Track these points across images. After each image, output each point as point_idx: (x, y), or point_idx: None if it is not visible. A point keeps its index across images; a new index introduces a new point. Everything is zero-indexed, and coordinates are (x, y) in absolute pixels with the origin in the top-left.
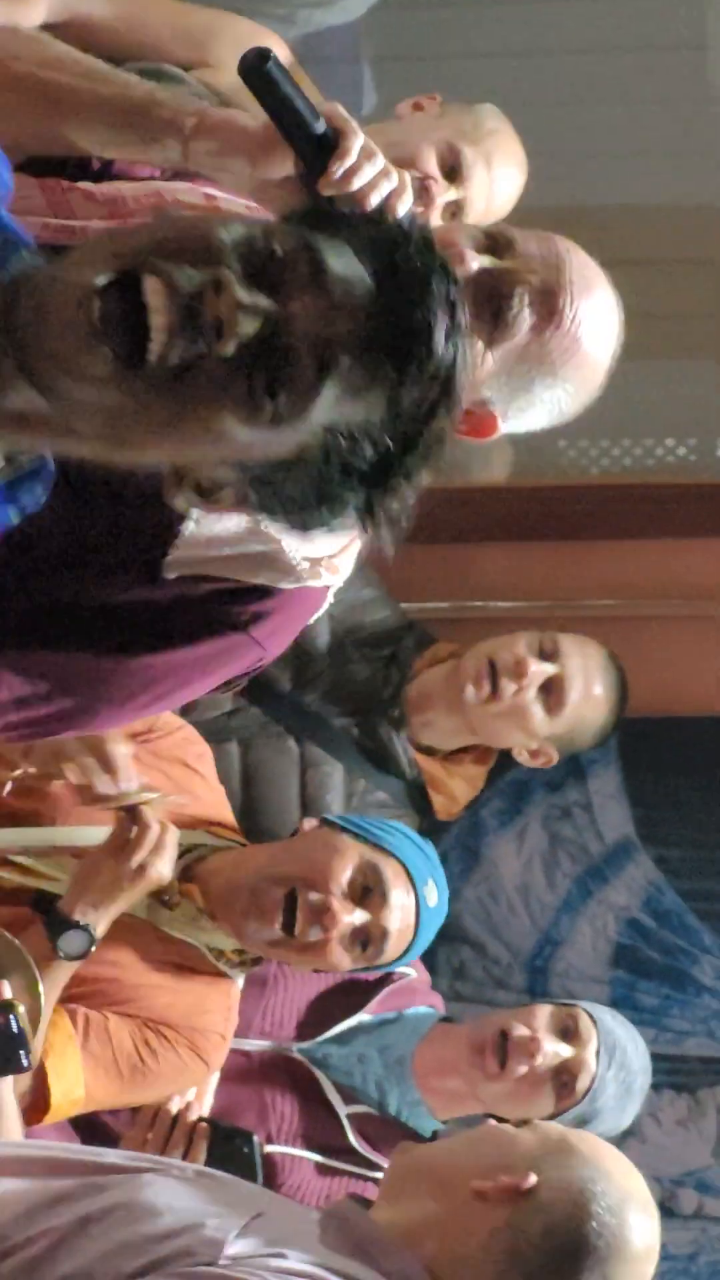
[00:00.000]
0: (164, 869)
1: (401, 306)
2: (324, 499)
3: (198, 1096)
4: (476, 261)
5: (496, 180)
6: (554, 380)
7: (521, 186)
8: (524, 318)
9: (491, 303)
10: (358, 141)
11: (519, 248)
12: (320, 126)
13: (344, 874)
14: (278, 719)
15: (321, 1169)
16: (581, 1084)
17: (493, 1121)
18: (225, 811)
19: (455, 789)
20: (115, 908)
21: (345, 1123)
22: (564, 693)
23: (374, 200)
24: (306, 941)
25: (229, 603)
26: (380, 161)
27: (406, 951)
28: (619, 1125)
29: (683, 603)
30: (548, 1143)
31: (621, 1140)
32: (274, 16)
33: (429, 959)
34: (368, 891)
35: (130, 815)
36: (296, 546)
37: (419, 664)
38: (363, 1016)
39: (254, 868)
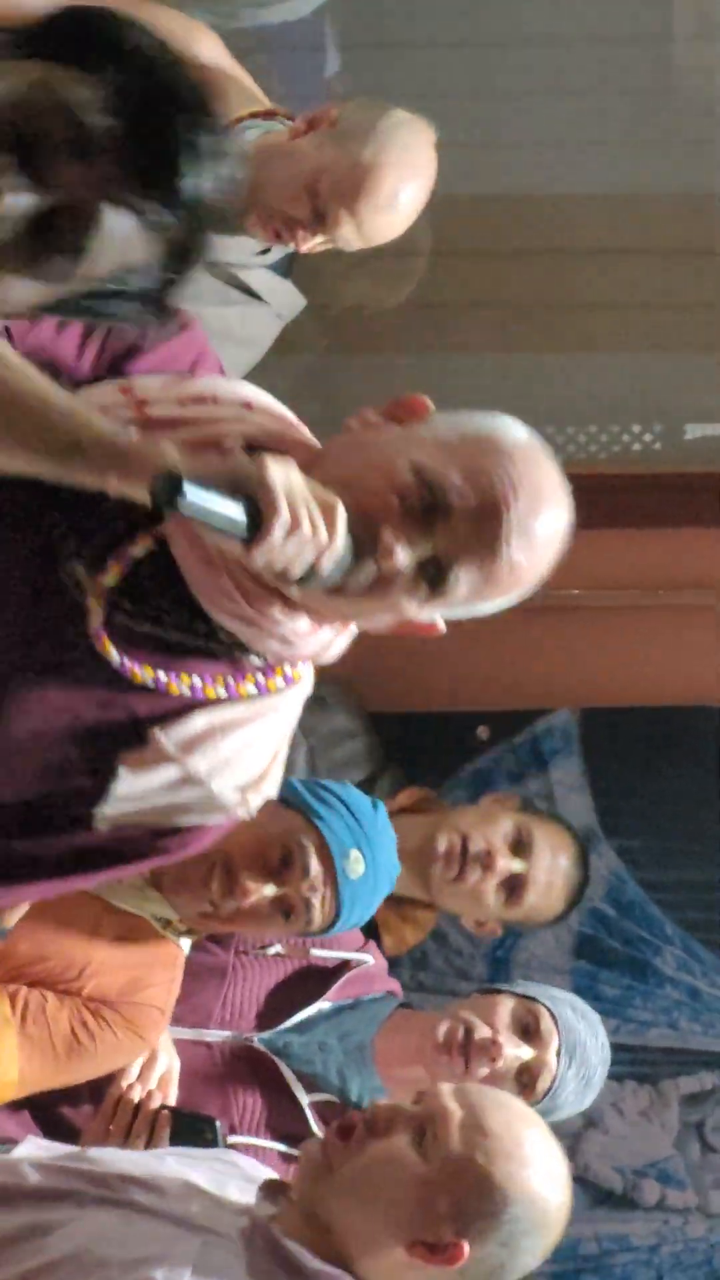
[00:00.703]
0: None
1: (149, 141)
2: (145, 308)
3: (163, 1087)
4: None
5: (365, 219)
6: None
7: (412, 204)
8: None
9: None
10: (280, 523)
11: None
12: (241, 515)
13: (259, 844)
14: None
15: (286, 1158)
16: (542, 1085)
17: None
18: None
19: (405, 933)
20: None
21: (307, 1111)
22: (525, 892)
23: (298, 569)
24: (227, 913)
25: (159, 837)
26: (305, 530)
27: (336, 919)
28: (578, 1111)
29: (643, 593)
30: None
31: (583, 1131)
32: (216, 13)
33: None
34: (287, 863)
35: None
36: (225, 783)
37: (390, 805)
38: (322, 1004)
39: None
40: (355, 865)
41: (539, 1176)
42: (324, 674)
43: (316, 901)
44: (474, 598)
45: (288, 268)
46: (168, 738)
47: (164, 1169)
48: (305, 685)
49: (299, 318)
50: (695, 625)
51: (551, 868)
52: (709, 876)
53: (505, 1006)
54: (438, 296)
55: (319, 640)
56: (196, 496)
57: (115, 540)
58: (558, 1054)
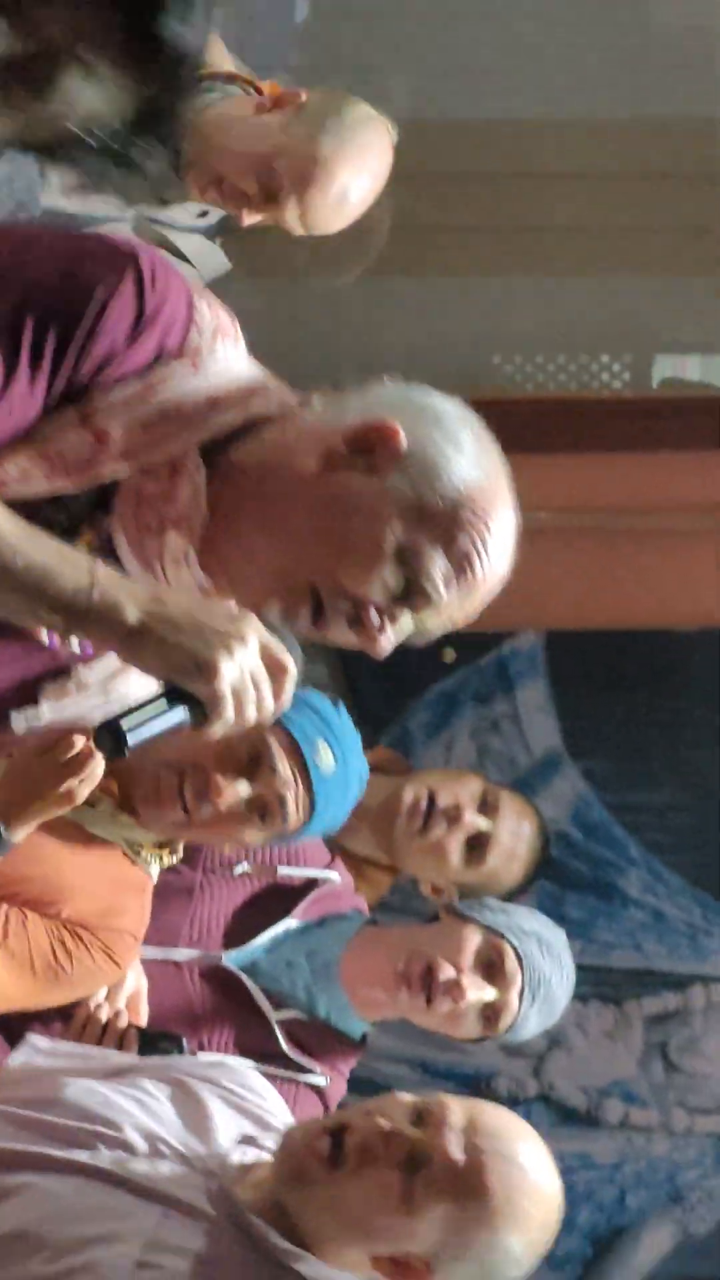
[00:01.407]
0: (79, 791)
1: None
2: (116, 164)
3: (133, 1009)
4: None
5: (310, 208)
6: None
7: (360, 204)
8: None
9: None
10: (223, 724)
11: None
12: (186, 717)
13: (227, 746)
14: None
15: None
16: (504, 1023)
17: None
18: None
19: (361, 890)
20: (33, 822)
21: (276, 1029)
22: (487, 852)
23: (251, 715)
24: (202, 819)
25: None
26: (249, 716)
27: (313, 816)
28: (539, 1032)
29: (609, 517)
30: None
31: (548, 1051)
32: None
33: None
34: (257, 762)
35: (68, 735)
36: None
37: None
38: (289, 923)
39: (153, 759)
40: (324, 756)
41: (531, 1237)
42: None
43: (290, 797)
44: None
45: (218, 229)
46: (90, 671)
47: (140, 1115)
48: None
49: (269, 240)
50: (661, 550)
51: (516, 832)
52: (674, 799)
53: (471, 942)
54: (406, 222)
55: None
56: (139, 736)
57: (60, 531)
58: (520, 994)
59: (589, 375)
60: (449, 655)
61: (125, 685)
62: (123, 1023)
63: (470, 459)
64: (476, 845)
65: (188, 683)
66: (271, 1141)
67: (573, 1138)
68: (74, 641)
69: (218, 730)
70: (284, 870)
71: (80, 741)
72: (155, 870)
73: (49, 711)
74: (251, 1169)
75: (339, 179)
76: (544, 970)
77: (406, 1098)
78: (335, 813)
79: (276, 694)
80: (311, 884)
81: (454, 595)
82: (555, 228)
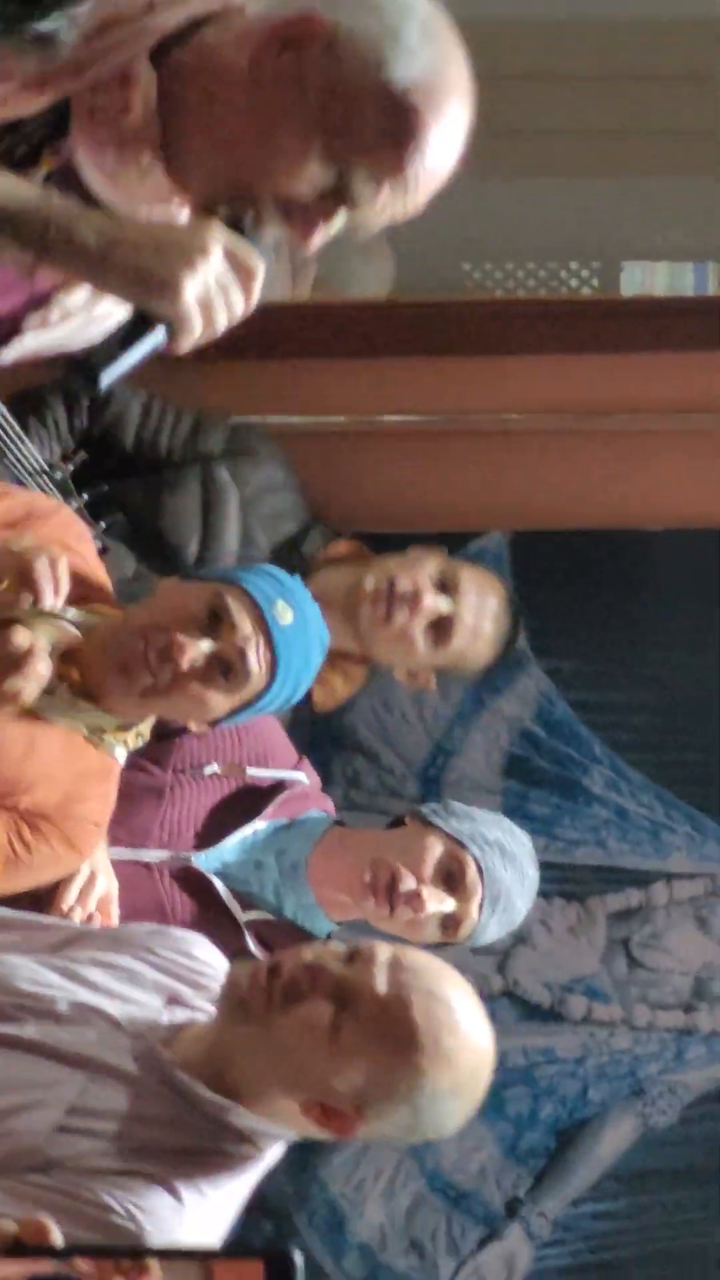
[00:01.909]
0: (26, 690)
1: None
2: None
3: (104, 911)
4: None
5: None
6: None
7: None
8: None
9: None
10: (192, 338)
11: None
12: (161, 338)
13: (188, 611)
14: None
15: None
16: (463, 933)
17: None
18: (108, 591)
19: (335, 684)
20: None
21: (244, 929)
22: (451, 631)
23: (221, 322)
24: (165, 682)
25: None
26: (218, 304)
27: (274, 676)
28: (499, 937)
29: (575, 417)
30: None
31: (512, 948)
32: None
33: (323, 769)
34: (217, 619)
35: (7, 632)
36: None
37: (320, 558)
38: (258, 824)
39: (115, 629)
40: (283, 613)
41: (457, 1070)
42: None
43: (251, 652)
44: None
45: None
46: (71, 299)
47: (69, 985)
48: None
49: None
50: (628, 451)
51: (479, 609)
52: (637, 698)
53: (433, 852)
54: None
55: None
56: (113, 371)
57: (21, 160)
58: (480, 906)
59: (558, 281)
60: None
61: (109, 304)
62: (95, 925)
63: (408, 51)
64: (440, 627)
65: (153, 302)
66: (208, 1003)
67: (536, 1033)
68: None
69: (186, 344)
70: (252, 772)
71: (23, 638)
72: (121, 754)
73: (32, 340)
74: (182, 1028)
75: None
76: (505, 881)
77: (338, 944)
78: (298, 672)
79: (246, 296)
80: (280, 786)
81: (386, 193)
82: (524, 132)
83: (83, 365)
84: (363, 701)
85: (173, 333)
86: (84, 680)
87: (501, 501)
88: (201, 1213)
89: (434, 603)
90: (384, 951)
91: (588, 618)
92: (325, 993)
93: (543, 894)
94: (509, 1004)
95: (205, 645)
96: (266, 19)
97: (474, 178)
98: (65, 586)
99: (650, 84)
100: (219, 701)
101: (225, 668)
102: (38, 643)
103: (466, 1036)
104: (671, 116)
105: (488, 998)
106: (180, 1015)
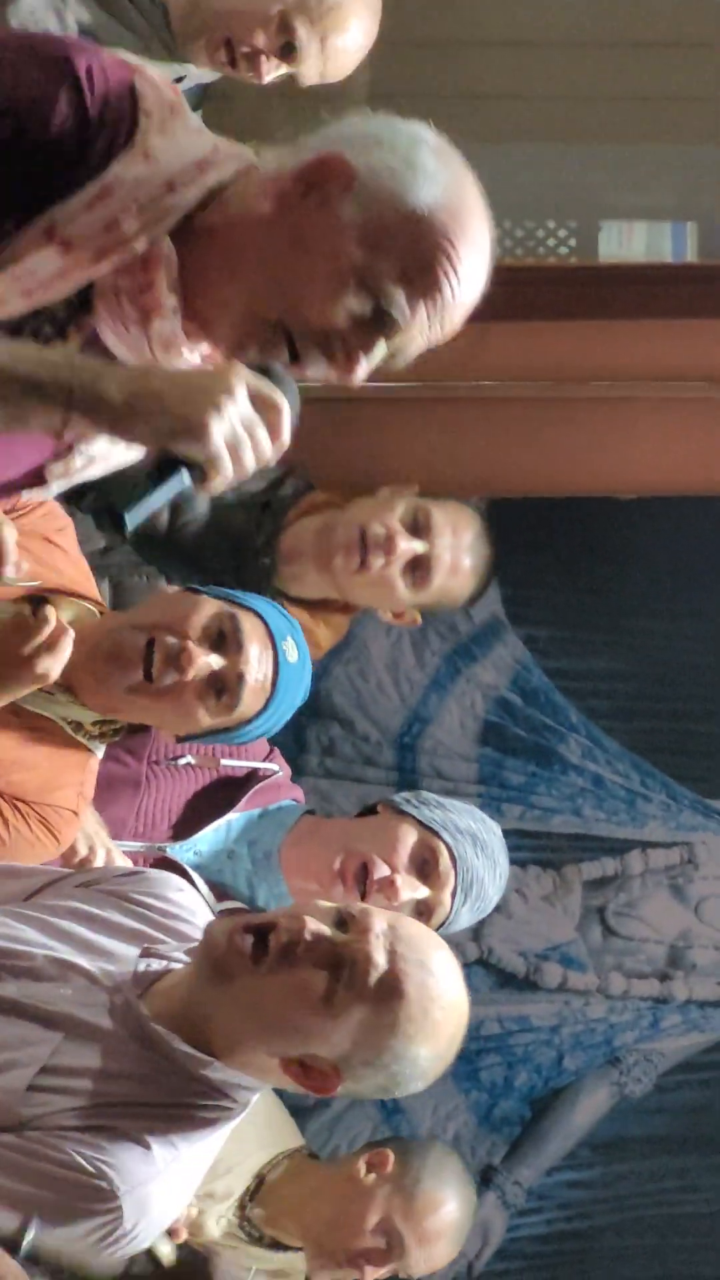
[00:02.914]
0: (54, 669)
1: None
2: None
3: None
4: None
5: (331, 54)
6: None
7: (367, 41)
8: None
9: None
10: (223, 460)
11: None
12: (187, 483)
13: (201, 621)
14: (150, 560)
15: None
16: (436, 920)
17: None
18: (89, 585)
19: (319, 636)
20: (6, 699)
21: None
22: (430, 571)
23: (249, 462)
24: (163, 686)
25: None
26: (245, 443)
27: (265, 708)
28: (470, 925)
29: (554, 385)
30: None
31: (488, 916)
32: None
33: (299, 737)
34: (224, 639)
35: (35, 610)
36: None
37: (294, 513)
38: (231, 816)
39: (116, 622)
40: (291, 650)
41: (439, 1049)
42: None
43: (250, 678)
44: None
45: (198, 100)
46: (92, 446)
47: (45, 939)
48: None
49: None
50: (603, 418)
51: (455, 545)
52: (613, 665)
53: (407, 840)
54: (352, 88)
55: None
56: (138, 514)
57: (48, 339)
58: (453, 894)
59: (535, 241)
60: None
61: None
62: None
63: (428, 177)
64: (418, 568)
65: (182, 447)
66: (185, 953)
67: (511, 1001)
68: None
69: (218, 486)
70: (227, 762)
71: (53, 617)
72: (99, 749)
73: (56, 489)
74: (159, 978)
75: (355, 23)
76: (477, 869)
77: (328, 904)
78: (282, 713)
79: (273, 433)
80: (253, 776)
81: (422, 316)
82: (502, 94)
83: (109, 510)
84: (339, 670)
85: (203, 475)
86: (63, 673)
87: (478, 469)
88: (175, 1166)
89: (408, 546)
90: (380, 921)
91: (564, 585)
92: (320, 959)
93: (518, 862)
94: (484, 972)
95: (214, 660)
96: (286, 168)
97: (453, 141)
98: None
99: (629, 50)
100: (203, 719)
101: (220, 688)
102: (67, 626)
103: (452, 1008)
104: (650, 81)
105: (463, 966)
106: (156, 965)
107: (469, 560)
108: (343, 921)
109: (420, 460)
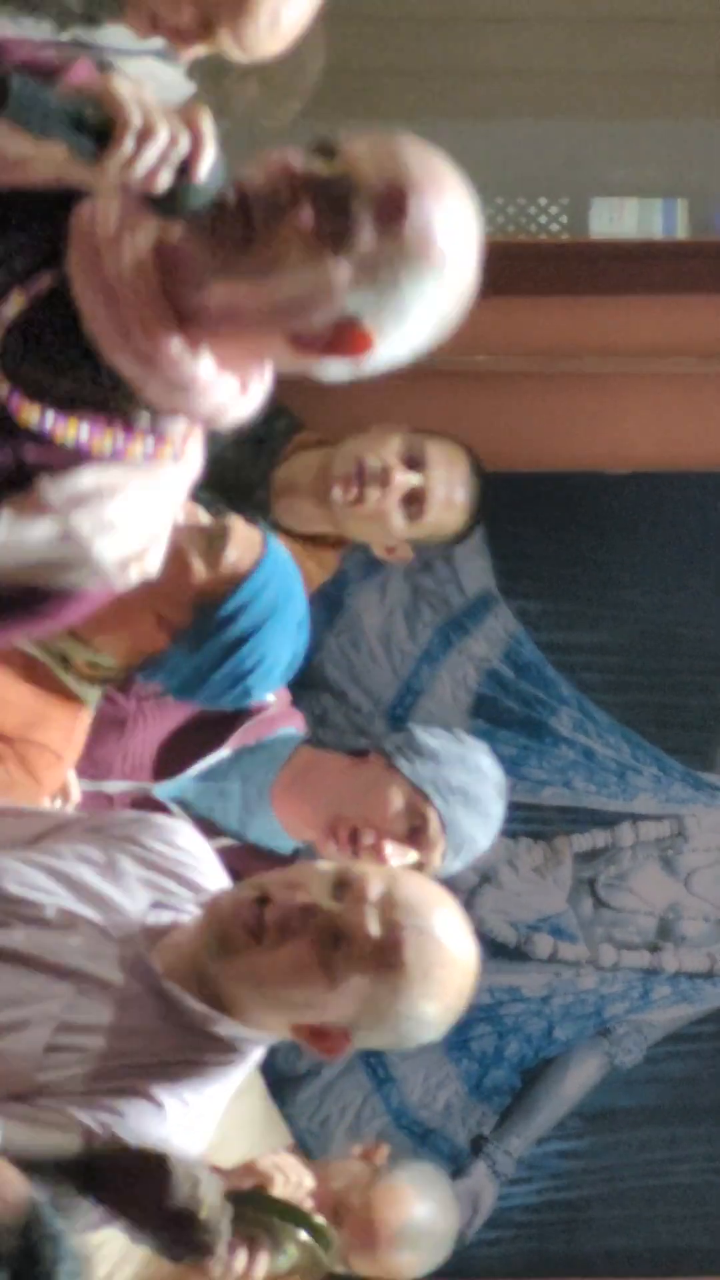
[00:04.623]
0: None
1: None
2: None
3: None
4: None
5: (244, 40)
6: (422, 275)
7: (295, 25)
8: (365, 222)
9: (332, 213)
10: (131, 130)
11: (345, 149)
12: (92, 115)
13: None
14: None
15: None
16: (427, 874)
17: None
18: None
19: (309, 570)
20: None
21: None
22: (425, 503)
23: (164, 179)
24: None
25: (36, 600)
26: (162, 134)
27: (259, 565)
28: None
29: (546, 359)
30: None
31: (479, 886)
32: None
33: (292, 706)
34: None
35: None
36: (106, 548)
37: (286, 449)
38: (222, 752)
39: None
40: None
41: (446, 1003)
42: None
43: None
44: (387, 242)
45: (174, 54)
46: (55, 489)
47: (55, 886)
48: (192, 467)
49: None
50: (595, 393)
51: (449, 479)
52: (605, 639)
53: (395, 804)
54: (341, 65)
55: (219, 393)
56: (29, 98)
57: (16, 277)
58: (443, 855)
59: (526, 218)
60: None
61: (87, 519)
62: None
63: None
64: (413, 501)
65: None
66: (194, 904)
67: (502, 972)
68: None
69: (128, 142)
70: None
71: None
72: (92, 696)
73: (4, 526)
74: (168, 931)
75: (266, 7)
76: (466, 830)
77: (326, 866)
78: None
79: (194, 129)
80: (244, 713)
81: None
82: (492, 70)
83: (4, 81)
84: (330, 640)
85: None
86: None
87: (470, 443)
88: (185, 1119)
89: (404, 479)
90: (375, 886)
91: (556, 559)
92: (316, 932)
93: (509, 834)
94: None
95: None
96: None
97: (444, 118)
98: None
99: (620, 25)
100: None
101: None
102: None
103: (455, 964)
104: (641, 57)
105: None
106: (165, 917)
107: (462, 494)
108: (341, 885)
109: None
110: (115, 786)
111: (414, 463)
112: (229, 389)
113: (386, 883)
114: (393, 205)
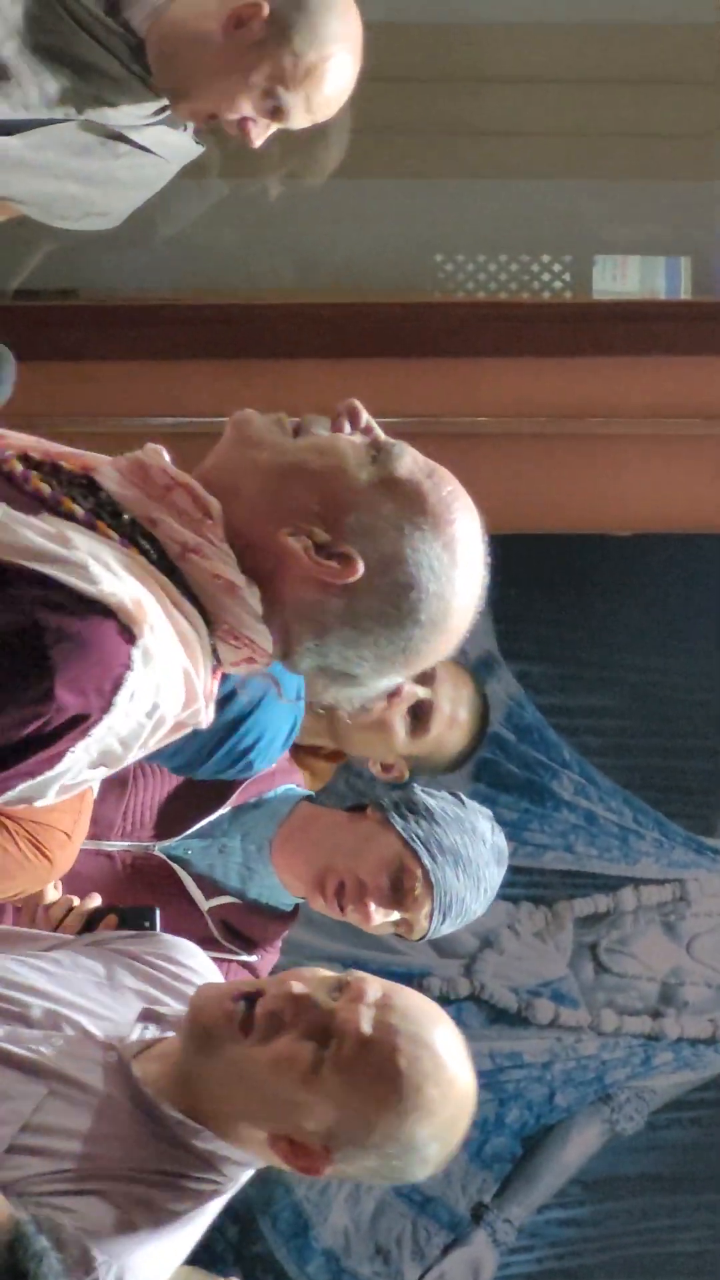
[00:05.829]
0: None
1: None
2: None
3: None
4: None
5: (317, 106)
6: None
7: (353, 75)
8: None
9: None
10: None
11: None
12: None
13: None
14: None
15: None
16: (414, 936)
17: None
18: None
19: (306, 782)
20: None
21: (207, 918)
22: (430, 718)
23: None
24: None
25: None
26: None
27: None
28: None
29: (547, 421)
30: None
31: (480, 951)
32: None
33: None
34: None
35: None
36: (102, 573)
37: None
38: (223, 811)
39: None
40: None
41: (437, 1131)
42: None
43: None
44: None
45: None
46: None
47: (44, 985)
48: None
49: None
50: (597, 455)
51: (454, 697)
52: (606, 702)
53: (386, 858)
54: (350, 123)
55: None
56: None
57: None
58: (429, 916)
59: (529, 275)
60: None
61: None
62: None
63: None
64: (419, 715)
65: None
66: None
67: (503, 1037)
68: None
69: None
70: None
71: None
72: (96, 779)
73: None
74: (155, 1044)
75: (334, 69)
76: (455, 891)
77: (326, 972)
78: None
79: None
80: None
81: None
82: (497, 130)
83: None
84: None
85: None
86: None
87: (474, 505)
88: (158, 1237)
89: (412, 690)
90: (373, 989)
91: (558, 622)
92: (306, 1028)
93: (511, 898)
94: (475, 1008)
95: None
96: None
97: (449, 175)
98: None
99: (624, 86)
100: None
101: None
102: None
103: (450, 1086)
104: (645, 117)
105: (454, 1001)
106: (152, 1031)
107: (466, 714)
108: (339, 986)
109: None
110: (116, 846)
111: (421, 676)
112: None
113: (386, 989)
114: None
